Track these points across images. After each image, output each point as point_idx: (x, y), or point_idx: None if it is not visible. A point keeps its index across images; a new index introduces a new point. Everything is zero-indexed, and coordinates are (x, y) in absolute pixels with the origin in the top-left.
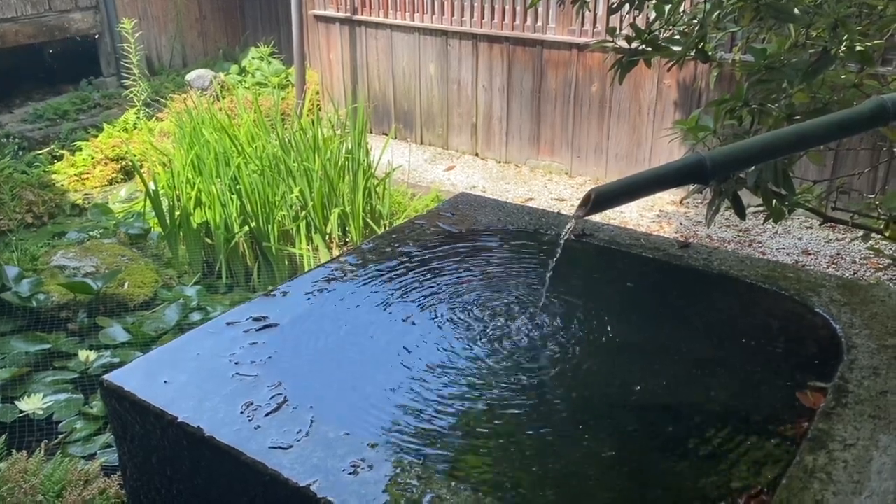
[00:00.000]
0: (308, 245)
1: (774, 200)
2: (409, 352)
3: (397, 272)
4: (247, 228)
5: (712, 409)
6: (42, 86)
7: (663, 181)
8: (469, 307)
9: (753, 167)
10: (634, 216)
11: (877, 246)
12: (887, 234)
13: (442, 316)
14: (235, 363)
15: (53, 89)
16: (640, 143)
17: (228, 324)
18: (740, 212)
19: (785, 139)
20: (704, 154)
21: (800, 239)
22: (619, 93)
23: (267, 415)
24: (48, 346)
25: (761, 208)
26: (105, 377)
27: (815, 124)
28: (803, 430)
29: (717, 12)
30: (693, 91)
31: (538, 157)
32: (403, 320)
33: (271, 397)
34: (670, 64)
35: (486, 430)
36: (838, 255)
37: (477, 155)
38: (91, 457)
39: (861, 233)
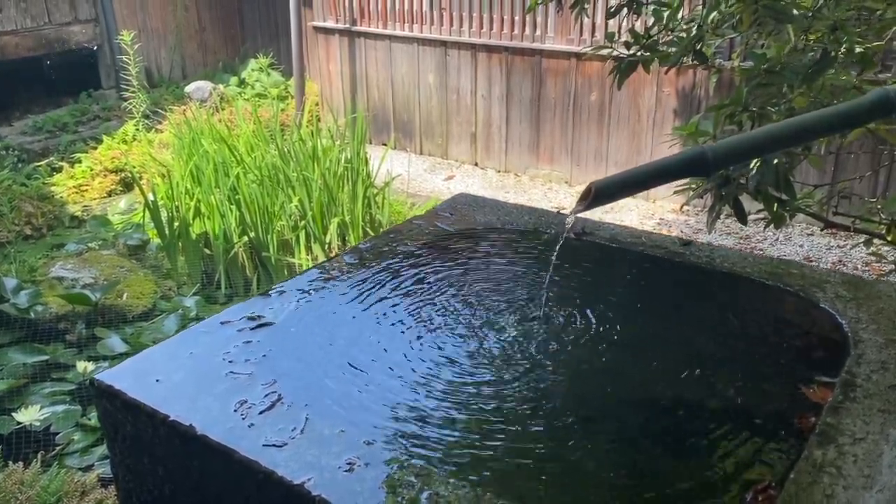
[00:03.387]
0: (307, 254)
1: (776, 205)
2: (405, 349)
3: (395, 271)
4: (246, 238)
5: (718, 404)
6: (41, 98)
7: (665, 174)
8: (467, 306)
9: (755, 170)
10: (635, 224)
11: (878, 251)
12: (889, 238)
13: (440, 314)
14: (229, 362)
15: (53, 101)
16: (640, 150)
17: (223, 323)
18: (741, 217)
19: (787, 130)
20: (706, 146)
21: (801, 246)
22: (618, 101)
23: (261, 413)
24: (46, 357)
25: (762, 215)
26: (96, 376)
27: (818, 115)
28: (811, 424)
29: (714, 14)
30: (692, 98)
31: (538, 166)
32: (400, 319)
33: (265, 395)
34: (668, 67)
35: (484, 428)
36: (840, 261)
37: (476, 164)
38: (88, 468)
39: (863, 238)
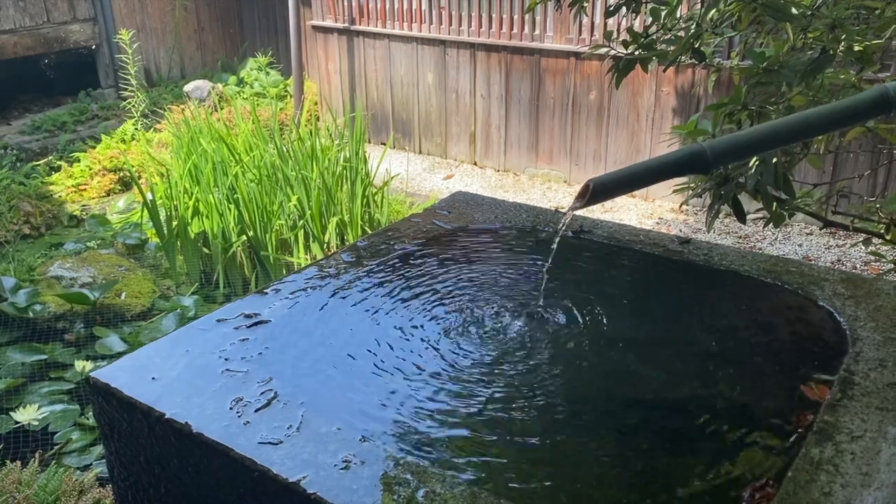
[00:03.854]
0: (306, 254)
1: (775, 204)
2: (403, 348)
3: (393, 269)
4: (244, 238)
5: (716, 402)
6: (40, 97)
7: (663, 171)
8: (465, 304)
9: (754, 169)
10: (633, 223)
11: (877, 251)
12: (888, 237)
13: (437, 312)
14: (226, 359)
15: (52, 101)
16: (639, 149)
17: (219, 320)
18: (740, 216)
19: (786, 127)
20: (704, 143)
21: (800, 245)
22: (617, 100)
23: (257, 410)
24: (44, 356)
25: (761, 214)
26: (92, 374)
27: (817, 113)
28: (809, 422)
29: (713, 12)
30: (691, 97)
31: (537, 166)
32: (398, 316)
33: (261, 393)
34: (666, 65)
35: (483, 426)
36: (839, 261)
37: (475, 164)
38: (86, 468)
39: (861, 238)
